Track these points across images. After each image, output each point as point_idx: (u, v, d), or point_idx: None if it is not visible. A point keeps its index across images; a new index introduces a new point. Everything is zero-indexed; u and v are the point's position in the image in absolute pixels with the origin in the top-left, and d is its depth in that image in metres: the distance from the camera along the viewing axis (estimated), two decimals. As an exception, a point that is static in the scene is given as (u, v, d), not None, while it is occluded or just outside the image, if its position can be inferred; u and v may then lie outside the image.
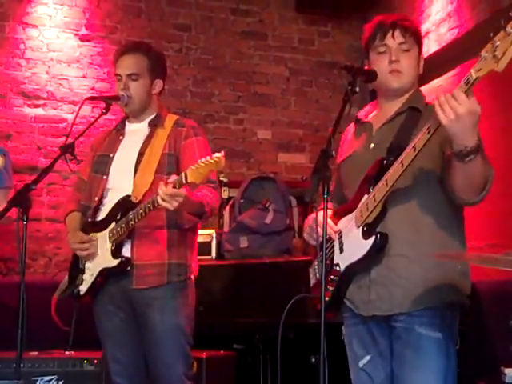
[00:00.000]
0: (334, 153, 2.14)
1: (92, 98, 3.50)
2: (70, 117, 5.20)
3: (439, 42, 4.79)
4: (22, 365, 2.70)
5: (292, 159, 5.78)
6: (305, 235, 2.50)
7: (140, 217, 2.85)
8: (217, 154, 2.62)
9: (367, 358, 2.38)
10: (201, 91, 5.63)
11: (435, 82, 4.76)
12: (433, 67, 4.75)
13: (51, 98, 5.25)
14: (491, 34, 1.90)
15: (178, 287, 3.00)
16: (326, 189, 2.07)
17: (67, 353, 3.76)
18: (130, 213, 2.89)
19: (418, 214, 2.28)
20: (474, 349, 3.58)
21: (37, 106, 5.21)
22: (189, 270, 3.03)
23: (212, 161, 2.61)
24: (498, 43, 1.88)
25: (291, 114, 5.82)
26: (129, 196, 2.95)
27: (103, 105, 3.07)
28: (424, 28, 4.98)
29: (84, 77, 5.35)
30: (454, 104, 1.99)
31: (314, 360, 2.05)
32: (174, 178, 2.70)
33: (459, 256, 2.36)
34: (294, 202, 4.57)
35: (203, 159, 2.63)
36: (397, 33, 2.38)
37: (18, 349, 2.61)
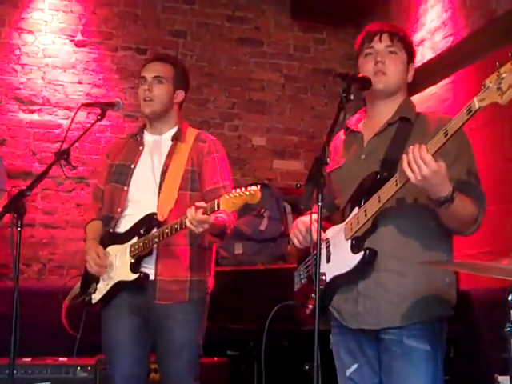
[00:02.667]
0: (328, 160, 2.14)
1: (88, 105, 3.50)
2: (65, 122, 5.20)
3: (434, 50, 4.81)
4: (15, 371, 2.69)
5: (287, 166, 5.79)
6: (291, 235, 2.48)
7: (166, 236, 2.86)
8: (253, 188, 2.63)
9: (354, 366, 2.38)
10: (196, 98, 5.63)
11: (430, 90, 4.78)
12: (428, 75, 4.78)
13: (46, 103, 5.24)
14: (497, 64, 1.89)
15: (198, 303, 3.03)
16: (320, 196, 2.07)
17: (61, 359, 3.75)
18: (156, 230, 2.91)
19: (408, 230, 2.28)
20: (467, 356, 3.58)
21: (32, 112, 5.21)
22: (207, 287, 3.08)
23: (248, 193, 2.63)
24: (504, 75, 1.87)
25: (286, 121, 5.83)
26: (154, 213, 2.96)
27: (98, 111, 3.07)
28: (419, 36, 5.00)
29: (79, 82, 5.35)
30: (419, 164, 2.03)
31: (307, 367, 2.05)
32: (202, 204, 2.72)
33: (452, 264, 2.36)
34: (288, 208, 4.57)
35: (239, 190, 2.65)
36: (384, 36, 2.40)
37: (11, 355, 2.61)
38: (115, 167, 3.15)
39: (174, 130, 3.15)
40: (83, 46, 5.38)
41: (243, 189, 2.65)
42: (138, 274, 2.95)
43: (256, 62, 5.82)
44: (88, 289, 3.09)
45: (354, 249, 2.28)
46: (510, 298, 2.08)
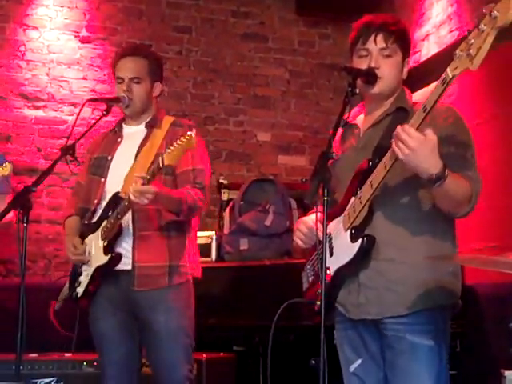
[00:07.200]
0: (334, 155, 2.14)
1: (93, 100, 3.50)
2: (70, 118, 5.20)
3: (439, 44, 4.79)
4: (21, 367, 2.70)
5: (292, 161, 5.78)
6: (294, 237, 2.46)
7: (126, 209, 2.87)
8: (188, 133, 2.67)
9: (358, 362, 2.36)
10: (201, 93, 5.63)
11: (435, 85, 4.75)
12: (433, 69, 4.75)
13: (51, 99, 5.25)
14: (467, 33, 1.88)
15: (180, 289, 3.00)
16: (325, 191, 2.06)
17: (66, 355, 3.75)
18: (118, 207, 2.91)
19: (407, 218, 2.26)
20: (473, 351, 3.57)
21: (37, 108, 5.22)
22: (189, 272, 3.04)
23: (184, 140, 2.66)
24: (472, 41, 1.86)
25: (291, 116, 5.82)
26: (118, 192, 2.97)
27: (103, 106, 3.07)
28: (424, 30, 4.98)
29: (84, 79, 5.35)
30: (404, 138, 2.02)
31: (313, 362, 2.04)
32: (142, 174, 2.74)
33: (459, 259, 2.35)
34: (293, 204, 4.57)
35: (175, 142, 2.69)
36: (379, 37, 2.34)
37: (17, 351, 2.61)
38: (93, 160, 3.17)
39: (149, 118, 3.15)
40: (88, 42, 5.38)
41: (181, 137, 2.68)
42: (110, 255, 2.94)
43: (261, 57, 5.81)
44: (74, 284, 3.10)
45: (353, 238, 2.25)
46: (516, 292, 2.08)
